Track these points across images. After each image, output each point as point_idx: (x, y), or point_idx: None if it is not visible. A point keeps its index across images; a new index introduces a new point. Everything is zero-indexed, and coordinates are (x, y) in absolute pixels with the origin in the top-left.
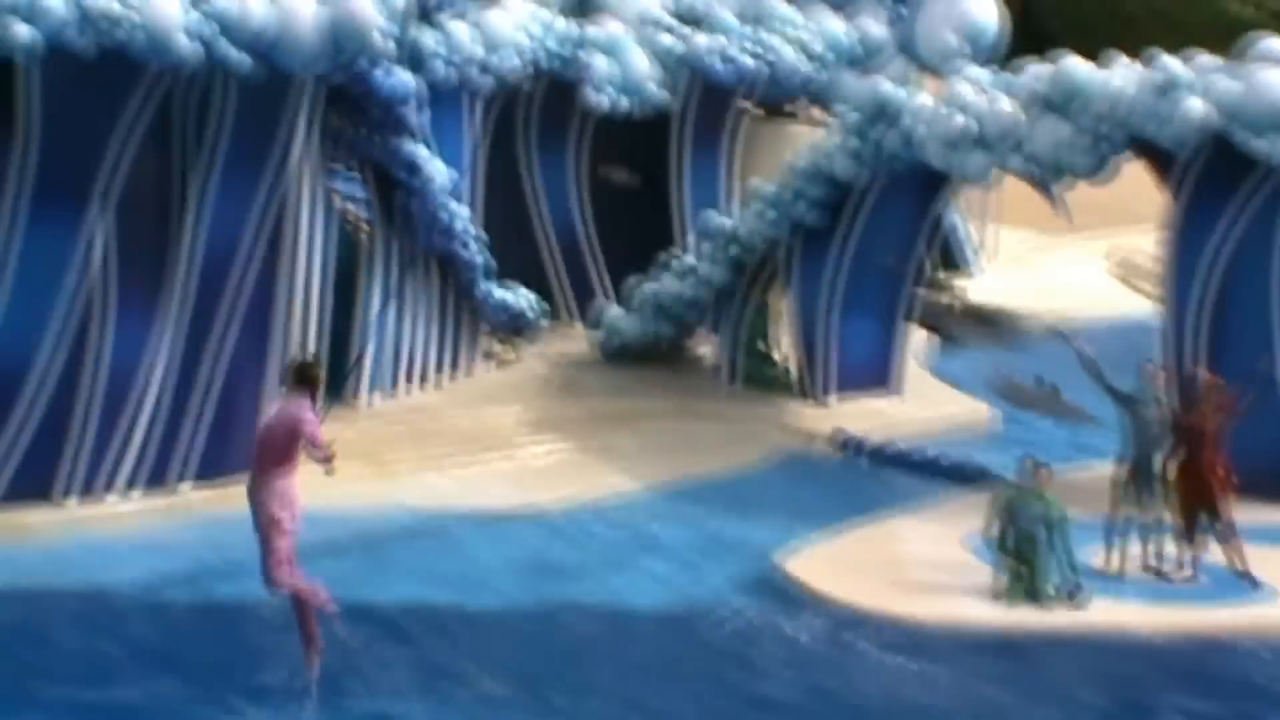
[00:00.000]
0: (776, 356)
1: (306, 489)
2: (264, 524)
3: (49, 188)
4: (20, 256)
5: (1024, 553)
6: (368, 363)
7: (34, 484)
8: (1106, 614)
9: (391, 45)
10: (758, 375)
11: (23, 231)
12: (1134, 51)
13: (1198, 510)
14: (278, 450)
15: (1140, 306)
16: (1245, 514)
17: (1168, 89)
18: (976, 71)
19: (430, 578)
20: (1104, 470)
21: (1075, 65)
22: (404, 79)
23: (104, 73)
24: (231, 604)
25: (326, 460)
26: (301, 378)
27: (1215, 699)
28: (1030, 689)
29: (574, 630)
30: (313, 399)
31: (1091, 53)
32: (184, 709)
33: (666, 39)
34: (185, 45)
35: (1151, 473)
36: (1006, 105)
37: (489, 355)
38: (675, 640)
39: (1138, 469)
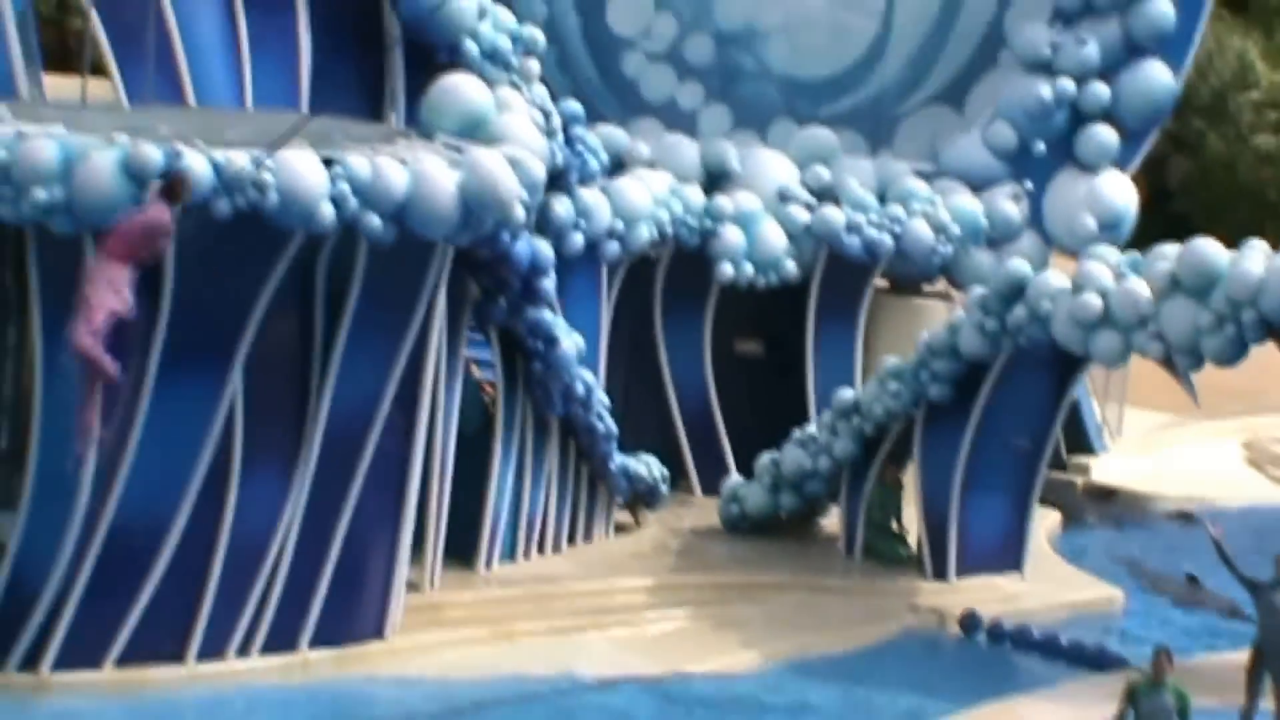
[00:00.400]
0: (898, 529)
1: (428, 659)
2: (91, 292)
3: (185, 347)
4: (156, 415)
5: None
6: (493, 528)
7: (165, 643)
8: None
9: (530, 216)
10: (880, 549)
11: (159, 390)
12: (1269, 236)
13: None
14: (127, 241)
15: (1272, 493)
16: None
17: None
18: (1107, 251)
19: None
20: (1238, 658)
21: (1207, 247)
22: (543, 250)
23: (243, 234)
24: None
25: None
26: (167, 191)
27: None
28: None
29: None
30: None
31: (1224, 236)
32: None
33: (798, 211)
34: (326, 212)
35: None
36: (1138, 286)
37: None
38: None
39: (1270, 657)
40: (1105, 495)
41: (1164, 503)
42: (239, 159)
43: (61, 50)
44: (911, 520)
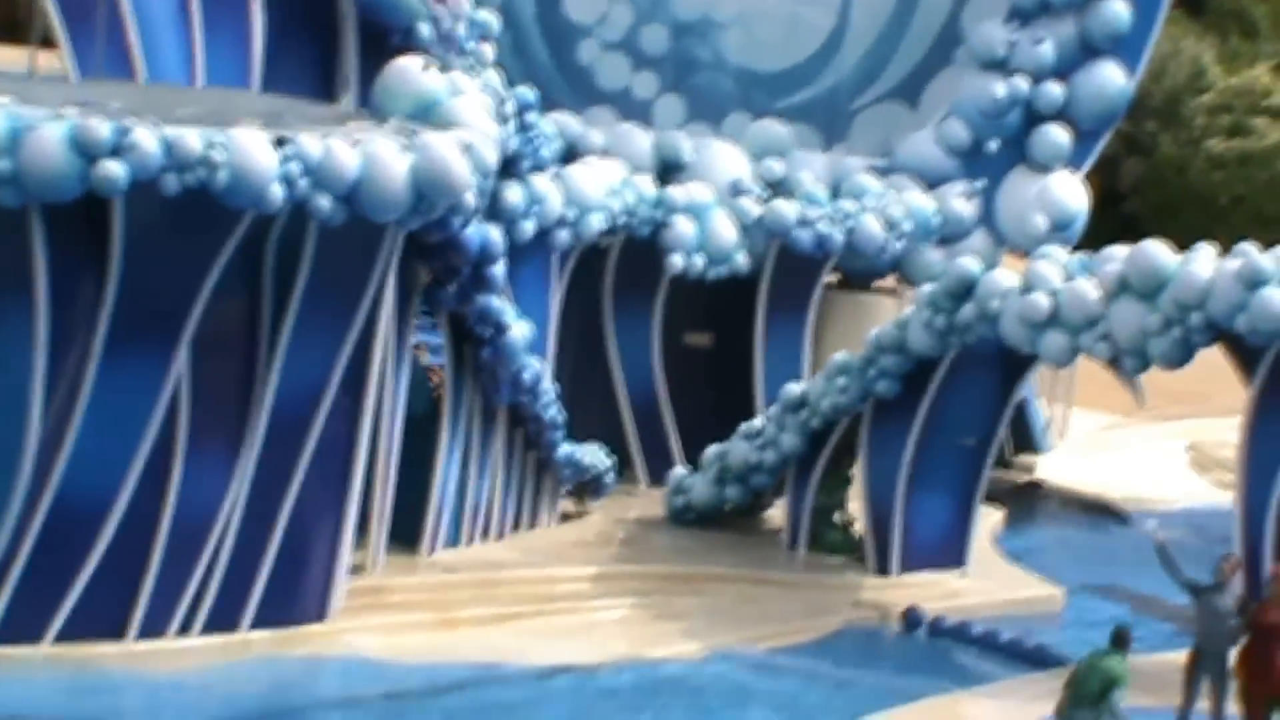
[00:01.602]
0: (842, 521)
1: (369, 642)
2: None
3: (131, 325)
4: (101, 394)
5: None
6: (437, 513)
7: (105, 621)
8: None
9: (481, 201)
10: (824, 541)
11: (105, 368)
12: (1219, 239)
13: (1262, 702)
14: None
15: (1214, 495)
16: None
17: (1251, 280)
18: (1057, 251)
19: None
20: (1176, 659)
21: (1157, 250)
22: (494, 236)
23: (191, 213)
24: None
25: None
26: None
27: None
28: None
29: None
30: None
31: (1175, 238)
32: None
33: (750, 204)
34: (276, 191)
35: (1223, 663)
36: (1086, 286)
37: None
38: None
39: (1208, 658)
40: (1049, 495)
41: (1107, 502)
42: (190, 136)
43: (11, 22)
44: (856, 514)
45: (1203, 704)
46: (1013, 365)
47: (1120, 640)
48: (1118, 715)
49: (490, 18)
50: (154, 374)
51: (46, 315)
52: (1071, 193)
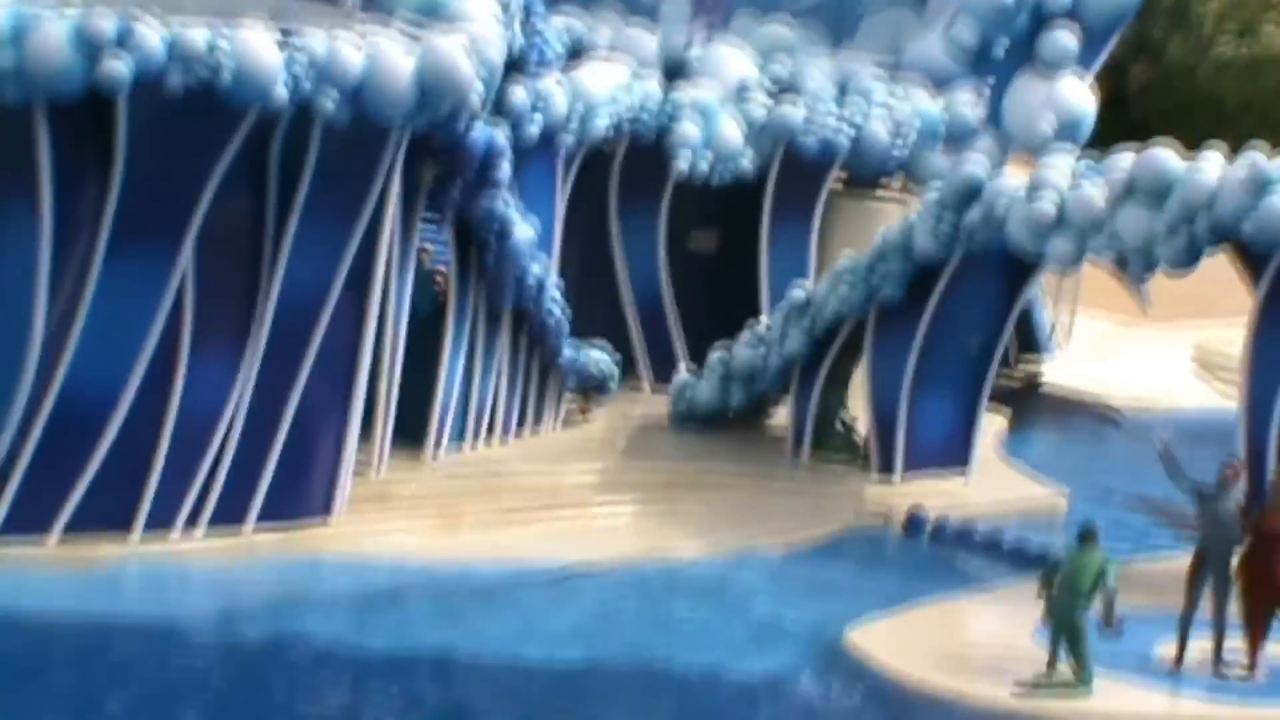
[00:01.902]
0: (846, 426)
1: (373, 542)
2: None
3: (136, 223)
4: (105, 291)
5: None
6: (442, 415)
7: (111, 517)
8: (1153, 704)
9: (486, 102)
10: (828, 444)
11: (109, 266)
12: (1226, 143)
13: (1263, 608)
14: None
15: (1218, 399)
16: None
17: (1258, 185)
18: (1064, 156)
19: (487, 632)
20: (1177, 563)
21: (1164, 155)
22: (499, 137)
23: (195, 111)
24: (287, 641)
25: None
26: None
27: None
28: None
29: (628, 692)
30: None
31: (1183, 142)
32: None
33: (756, 106)
34: (280, 90)
35: (1226, 567)
36: (1093, 191)
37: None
38: (731, 709)
39: (1211, 562)
40: (1054, 399)
41: (1111, 407)
42: (194, 33)
43: None
44: (860, 418)
45: (1205, 608)
46: (1018, 269)
47: (1089, 536)
48: (1114, 590)
49: None
50: (158, 272)
51: (51, 212)
52: (1079, 96)
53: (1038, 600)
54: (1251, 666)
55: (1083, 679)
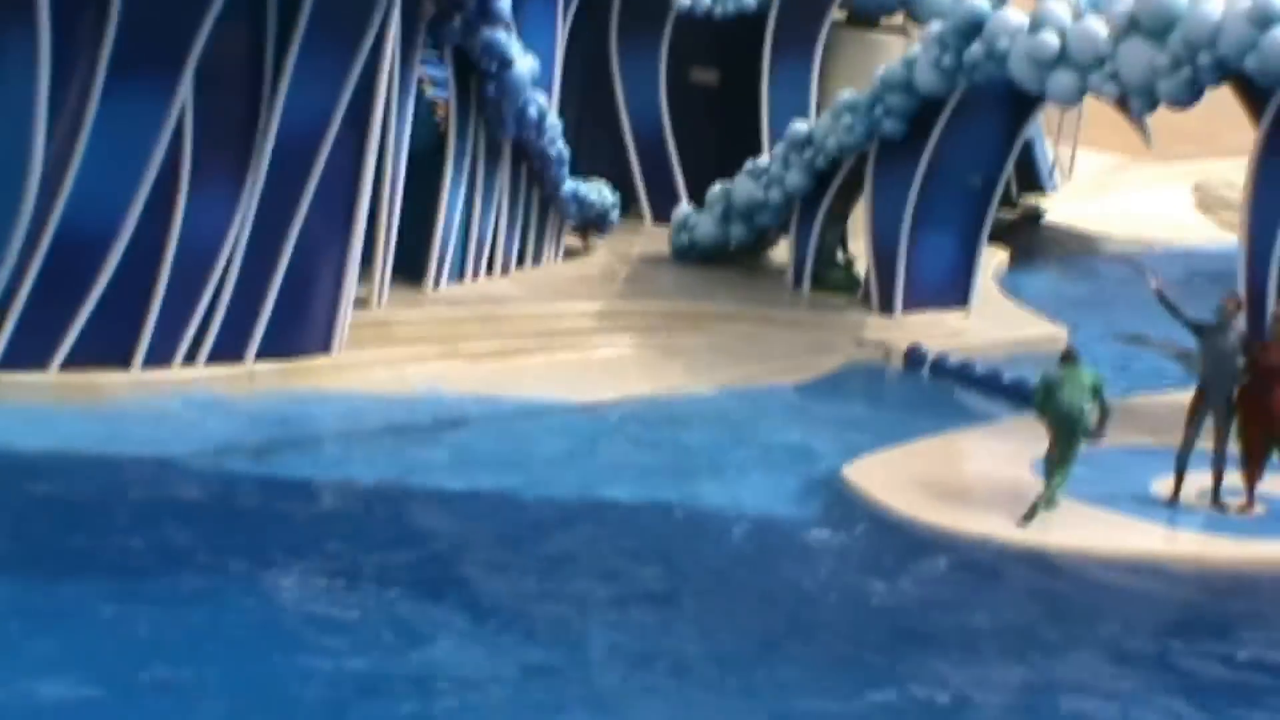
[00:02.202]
0: (846, 262)
1: (374, 375)
2: None
3: (134, 56)
4: (104, 123)
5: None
6: (442, 248)
7: (111, 349)
8: (1151, 540)
9: None
10: (827, 280)
11: (107, 99)
12: None
13: (1260, 443)
14: None
15: (1219, 235)
16: None
17: (1262, 20)
18: None
19: (485, 463)
20: (1180, 398)
21: None
22: None
23: None
24: (288, 475)
25: None
26: None
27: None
28: (1067, 610)
29: (622, 525)
30: None
31: None
32: (240, 578)
33: None
34: None
35: (1227, 402)
36: (1096, 25)
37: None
38: (726, 541)
39: (1212, 397)
40: (1055, 235)
41: (1112, 243)
42: None
43: None
44: (860, 254)
45: (1204, 444)
46: (1020, 105)
47: (1070, 356)
48: (1110, 404)
49: None
50: (158, 104)
51: (49, 44)
52: None
53: (1040, 420)
54: (1249, 502)
55: (1050, 497)
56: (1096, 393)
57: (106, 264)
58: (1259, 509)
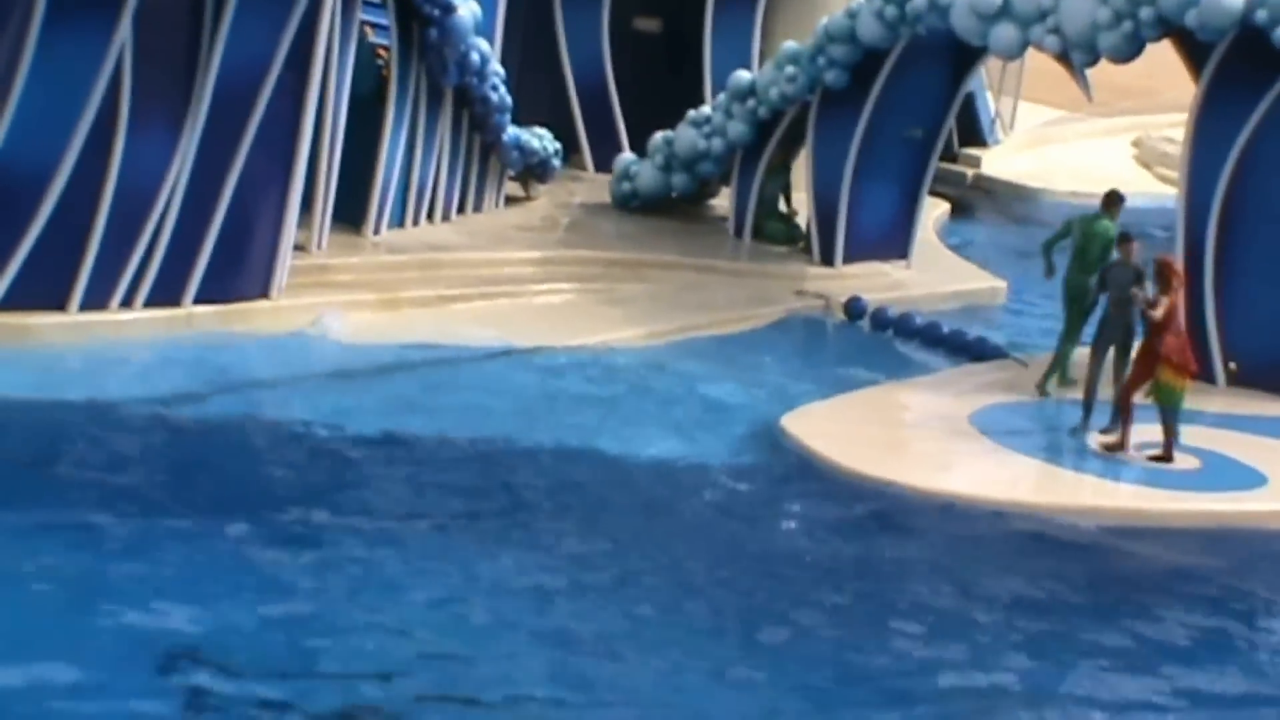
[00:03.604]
0: (786, 213)
1: (312, 320)
2: None
3: None
4: (42, 63)
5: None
6: (382, 194)
7: (47, 291)
8: (1080, 496)
9: None
10: (768, 231)
11: (46, 37)
12: None
13: (1134, 386)
14: None
15: (1158, 189)
16: (1250, 406)
17: None
18: None
19: (422, 409)
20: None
21: None
22: None
23: None
24: (227, 420)
25: None
26: None
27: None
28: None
29: (557, 471)
30: None
31: None
32: (177, 524)
33: None
34: None
35: (1125, 339)
36: None
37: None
38: (660, 489)
39: (1111, 335)
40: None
41: (1051, 196)
42: None
43: None
44: (802, 205)
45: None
46: (962, 57)
47: (1111, 201)
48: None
49: None
50: (96, 44)
51: None
52: None
53: (1044, 256)
54: (1121, 442)
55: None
56: (1108, 250)
57: (43, 205)
58: (1131, 452)
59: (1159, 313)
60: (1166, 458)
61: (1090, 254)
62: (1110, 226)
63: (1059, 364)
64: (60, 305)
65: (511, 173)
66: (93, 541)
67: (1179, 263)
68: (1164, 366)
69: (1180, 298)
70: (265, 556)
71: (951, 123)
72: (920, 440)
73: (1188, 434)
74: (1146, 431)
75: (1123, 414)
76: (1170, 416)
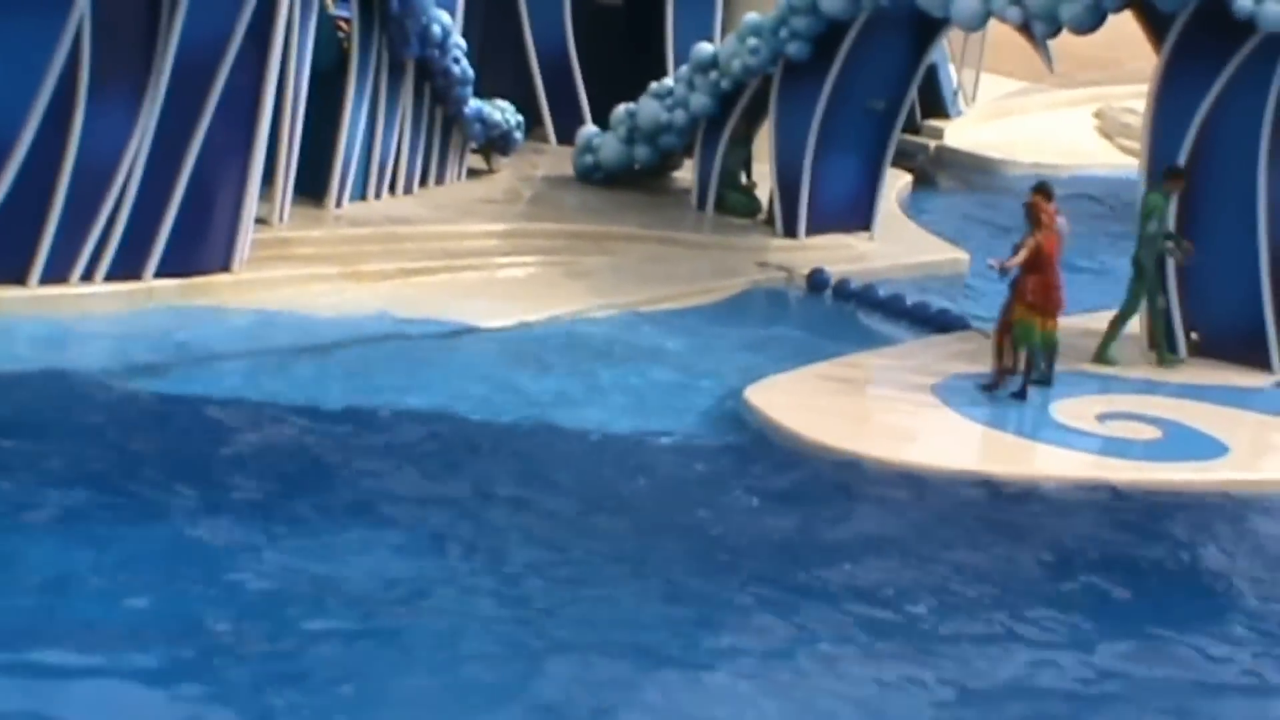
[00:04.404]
0: (745, 184)
1: (274, 294)
2: None
3: None
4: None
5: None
6: (344, 167)
7: (6, 266)
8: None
9: None
10: (729, 203)
11: (2, 10)
12: None
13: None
14: None
15: (1120, 160)
16: (1211, 377)
17: None
18: None
19: (381, 383)
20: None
21: None
22: None
23: None
24: (185, 394)
25: None
26: None
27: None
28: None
29: (521, 445)
30: None
31: None
32: (138, 499)
33: None
34: None
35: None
36: None
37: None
38: (623, 463)
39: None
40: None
41: (1014, 168)
42: None
43: None
44: (764, 177)
45: None
46: (924, 29)
47: (1168, 174)
48: (1153, 233)
49: None
50: (54, 16)
51: None
52: None
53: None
54: (993, 385)
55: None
56: (1146, 219)
57: (2, 178)
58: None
59: (1022, 255)
60: (1019, 394)
61: (1143, 226)
62: (1153, 199)
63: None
64: (20, 279)
65: (474, 145)
66: (46, 516)
67: (1049, 202)
68: (1018, 304)
69: (1053, 237)
70: (216, 535)
71: (914, 94)
72: (884, 412)
73: (1149, 404)
74: (1120, 401)
75: (994, 351)
76: (1032, 354)
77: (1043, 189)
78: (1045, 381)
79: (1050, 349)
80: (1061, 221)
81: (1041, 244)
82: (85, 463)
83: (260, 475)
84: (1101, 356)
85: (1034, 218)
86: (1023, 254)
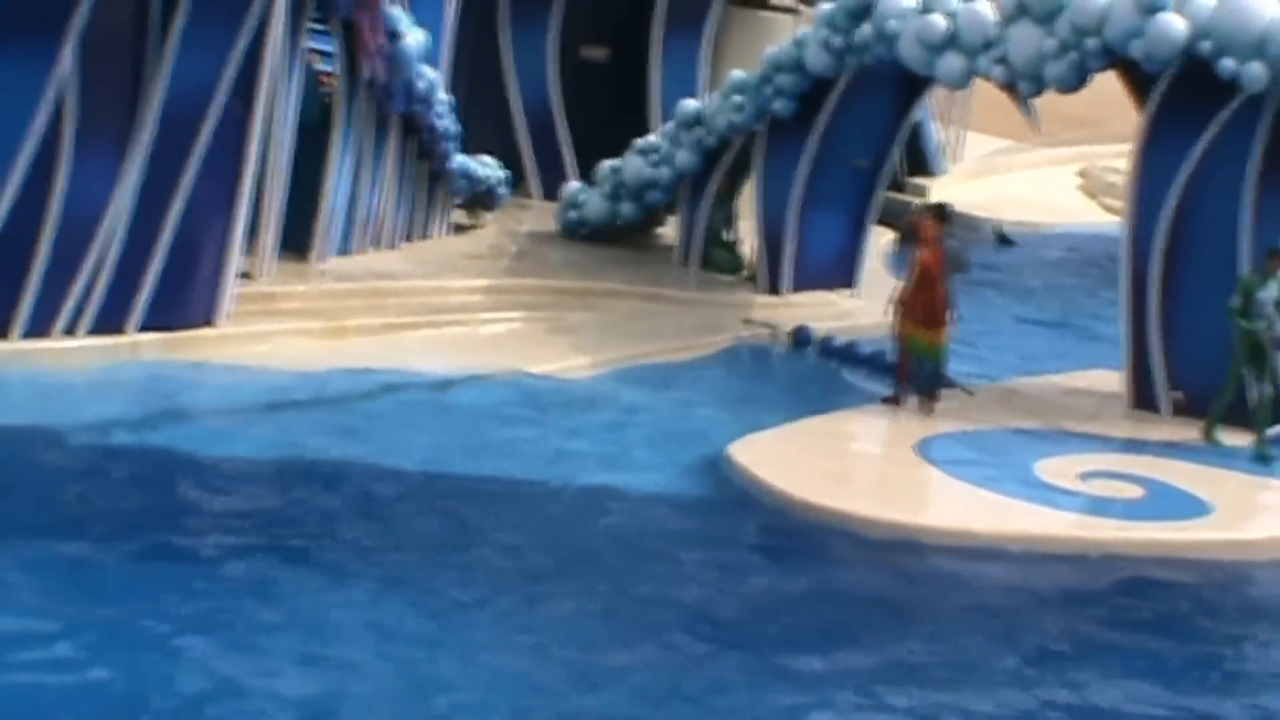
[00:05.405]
0: (729, 240)
1: (258, 348)
2: None
3: (15, 20)
4: None
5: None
6: (328, 222)
7: None
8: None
9: None
10: (712, 259)
11: None
12: None
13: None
14: None
15: (1103, 218)
16: (1195, 434)
17: (1148, 6)
18: None
19: (365, 439)
20: (1069, 381)
21: None
22: None
23: None
24: (167, 449)
25: None
26: None
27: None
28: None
29: (504, 502)
30: None
31: None
32: (119, 552)
33: None
34: None
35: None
36: (984, 8)
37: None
38: (604, 519)
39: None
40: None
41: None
42: None
43: None
44: (748, 234)
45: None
46: (909, 87)
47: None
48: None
49: None
50: (39, 71)
51: None
52: None
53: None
54: (896, 397)
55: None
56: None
57: None
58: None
59: (913, 276)
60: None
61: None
62: (1247, 279)
63: (1217, 411)
64: (2, 333)
65: (458, 201)
66: (28, 564)
67: (930, 221)
68: (907, 319)
69: (935, 255)
70: (186, 584)
71: (899, 152)
72: (867, 469)
73: (1131, 463)
74: (1103, 460)
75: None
76: (920, 364)
77: (935, 210)
78: (933, 388)
79: (937, 358)
80: (951, 244)
81: (923, 261)
82: (65, 516)
83: (242, 530)
84: (1208, 435)
85: (917, 236)
86: (914, 274)
